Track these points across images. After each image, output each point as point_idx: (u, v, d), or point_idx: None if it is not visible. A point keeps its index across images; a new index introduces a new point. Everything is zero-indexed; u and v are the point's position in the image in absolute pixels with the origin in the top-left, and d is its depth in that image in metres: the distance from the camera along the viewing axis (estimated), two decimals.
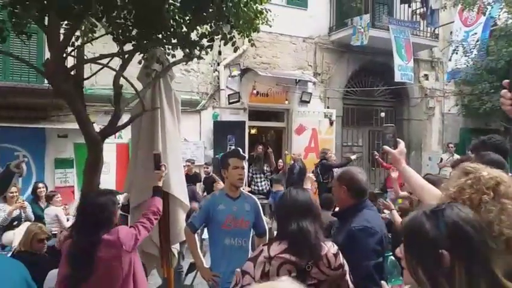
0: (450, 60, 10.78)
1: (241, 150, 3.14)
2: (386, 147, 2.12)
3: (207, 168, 8.30)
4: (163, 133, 3.33)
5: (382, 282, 1.60)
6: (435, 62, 12.20)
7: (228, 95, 9.60)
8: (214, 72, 9.48)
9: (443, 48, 11.76)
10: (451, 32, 11.01)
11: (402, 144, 2.12)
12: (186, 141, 9.02)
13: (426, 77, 12.07)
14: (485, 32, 9.58)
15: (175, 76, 3.94)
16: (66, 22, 3.29)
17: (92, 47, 4.72)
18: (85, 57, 3.57)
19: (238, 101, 9.59)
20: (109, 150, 7.36)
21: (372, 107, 11.64)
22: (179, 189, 3.39)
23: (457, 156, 9.18)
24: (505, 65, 8.97)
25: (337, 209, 2.84)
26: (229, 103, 9.61)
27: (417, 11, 11.23)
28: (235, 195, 3.13)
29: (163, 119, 3.37)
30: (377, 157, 7.50)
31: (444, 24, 11.21)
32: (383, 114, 11.34)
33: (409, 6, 10.89)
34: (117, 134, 7.93)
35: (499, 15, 9.73)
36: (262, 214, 3.21)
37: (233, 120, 9.64)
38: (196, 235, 3.21)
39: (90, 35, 3.80)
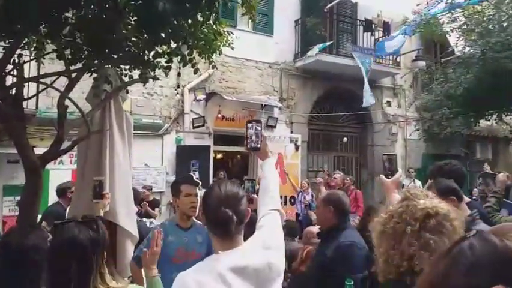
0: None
1: (194, 175, 2.95)
2: (382, 177, 2.24)
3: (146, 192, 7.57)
4: (111, 158, 3.10)
5: None
6: (398, 89, 12.51)
7: (193, 119, 9.41)
8: (176, 95, 9.31)
9: (403, 75, 12.10)
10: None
11: (397, 174, 2.22)
12: (147, 167, 8.71)
13: (388, 103, 12.32)
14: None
15: (127, 97, 3.74)
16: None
17: (46, 67, 4.48)
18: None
19: (202, 125, 9.41)
20: (64, 176, 6.96)
21: (337, 133, 11.72)
22: (127, 219, 3.14)
23: (418, 182, 9.29)
24: (464, 91, 9.25)
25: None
26: (194, 127, 9.40)
27: (380, 39, 11.53)
28: (187, 225, 2.90)
29: (111, 142, 3.15)
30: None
31: (405, 53, 11.55)
32: (345, 140, 11.46)
33: (372, 35, 11.17)
34: (73, 159, 7.56)
35: (457, 44, 10.12)
36: None
37: (197, 144, 9.42)
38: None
39: (35, 51, 3.58)
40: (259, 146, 1.94)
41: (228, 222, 1.50)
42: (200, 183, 2.96)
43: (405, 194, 1.53)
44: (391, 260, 1.42)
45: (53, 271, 1.56)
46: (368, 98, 9.91)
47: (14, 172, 7.37)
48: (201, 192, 2.87)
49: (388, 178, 2.19)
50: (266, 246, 1.60)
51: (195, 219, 2.97)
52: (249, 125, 1.96)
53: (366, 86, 9.91)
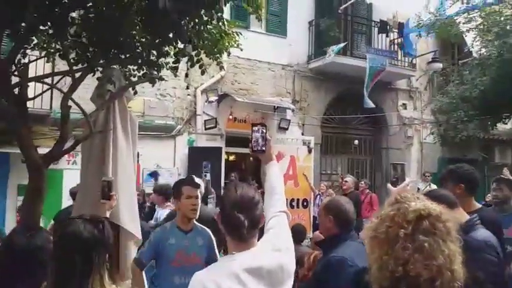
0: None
1: (195, 177, 2.91)
2: (389, 185, 2.13)
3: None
4: (115, 158, 3.08)
5: None
6: (413, 91, 12.28)
7: (205, 121, 9.41)
8: (187, 96, 9.32)
9: (418, 77, 11.88)
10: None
11: (404, 183, 2.13)
12: (159, 168, 8.73)
13: (404, 106, 12.10)
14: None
15: (134, 98, 3.72)
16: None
17: (60, 67, 4.50)
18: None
19: (215, 127, 9.40)
20: (78, 176, 6.99)
21: (351, 135, 11.58)
22: (130, 221, 3.10)
23: (434, 186, 9.07)
24: (480, 93, 9.00)
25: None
26: (206, 129, 9.41)
27: (395, 41, 11.35)
28: (188, 228, 2.86)
29: (115, 143, 3.13)
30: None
31: (422, 55, 11.34)
32: (356, 142, 11.30)
33: (387, 36, 11.00)
34: None
35: (473, 45, 9.87)
36: (216, 250, 2.93)
37: (209, 146, 9.41)
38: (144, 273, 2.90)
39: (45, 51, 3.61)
40: (264, 149, 2.00)
41: (240, 227, 1.54)
42: (202, 185, 2.92)
43: (395, 197, 1.48)
44: (385, 266, 1.36)
45: (57, 264, 1.55)
46: (367, 101, 9.86)
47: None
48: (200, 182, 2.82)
49: (394, 186, 2.13)
50: (276, 249, 1.64)
51: (195, 222, 2.92)
52: (255, 128, 2.03)
53: (366, 91, 9.86)
